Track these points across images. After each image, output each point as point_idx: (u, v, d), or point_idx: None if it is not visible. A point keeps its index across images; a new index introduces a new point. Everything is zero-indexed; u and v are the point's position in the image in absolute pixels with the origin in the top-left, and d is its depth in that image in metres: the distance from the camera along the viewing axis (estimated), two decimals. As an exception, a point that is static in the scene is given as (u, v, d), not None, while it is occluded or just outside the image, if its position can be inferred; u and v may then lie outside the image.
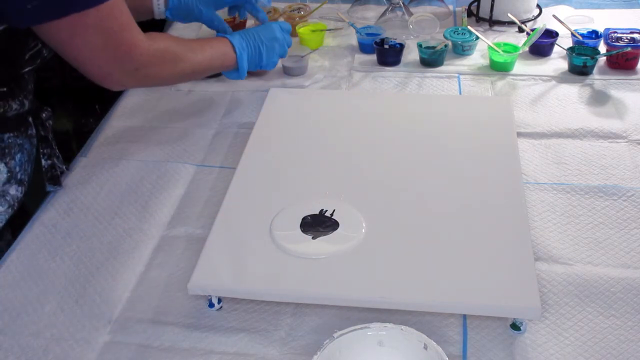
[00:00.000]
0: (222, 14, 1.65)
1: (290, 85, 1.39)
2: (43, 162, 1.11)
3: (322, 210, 0.96)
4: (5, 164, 1.03)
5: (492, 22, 1.58)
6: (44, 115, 1.12)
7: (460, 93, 1.35)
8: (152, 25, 1.77)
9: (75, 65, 0.98)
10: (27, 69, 1.01)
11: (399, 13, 1.58)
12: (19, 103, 1.03)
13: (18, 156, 1.05)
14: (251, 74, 1.37)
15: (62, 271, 0.96)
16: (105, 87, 1.02)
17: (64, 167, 1.14)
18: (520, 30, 1.54)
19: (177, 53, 1.07)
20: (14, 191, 1.05)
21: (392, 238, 0.92)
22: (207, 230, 0.97)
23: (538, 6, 1.60)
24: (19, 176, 1.05)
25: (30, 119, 1.08)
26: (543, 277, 0.92)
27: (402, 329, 0.76)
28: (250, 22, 1.59)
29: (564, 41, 1.44)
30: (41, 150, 1.11)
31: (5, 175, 1.03)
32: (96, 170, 1.16)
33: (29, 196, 1.10)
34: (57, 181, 1.11)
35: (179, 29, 1.67)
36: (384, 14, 1.59)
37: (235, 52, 1.17)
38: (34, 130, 1.09)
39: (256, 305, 0.89)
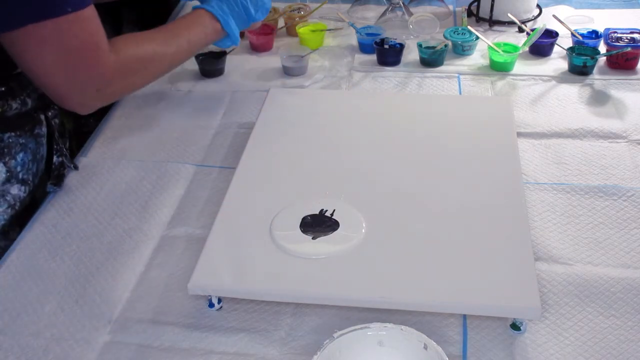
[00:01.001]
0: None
1: (290, 85, 1.39)
2: (55, 159, 1.11)
3: (322, 210, 0.96)
4: (4, 163, 1.02)
5: (492, 22, 1.58)
6: (50, 113, 1.11)
7: (460, 93, 1.35)
8: (157, 17, 1.77)
9: (34, 82, 0.94)
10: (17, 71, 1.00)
11: (399, 13, 1.58)
12: (20, 102, 1.02)
13: (20, 155, 1.04)
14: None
15: (62, 271, 0.96)
16: (67, 109, 0.98)
17: (72, 165, 1.14)
18: (520, 30, 1.54)
19: (146, 56, 1.01)
20: (16, 191, 1.04)
21: (392, 238, 0.92)
22: (207, 230, 0.97)
23: (538, 6, 1.60)
24: (20, 176, 1.05)
25: (42, 116, 1.08)
26: (543, 277, 0.92)
27: (402, 329, 0.76)
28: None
29: (564, 41, 1.44)
30: (55, 147, 1.11)
31: (4, 175, 1.02)
32: (96, 170, 1.16)
33: (38, 194, 1.10)
34: (61, 180, 1.10)
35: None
36: (384, 14, 1.59)
37: (218, 20, 1.11)
38: (43, 129, 1.08)
39: (256, 305, 0.89)
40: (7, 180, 1.03)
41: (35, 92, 1.06)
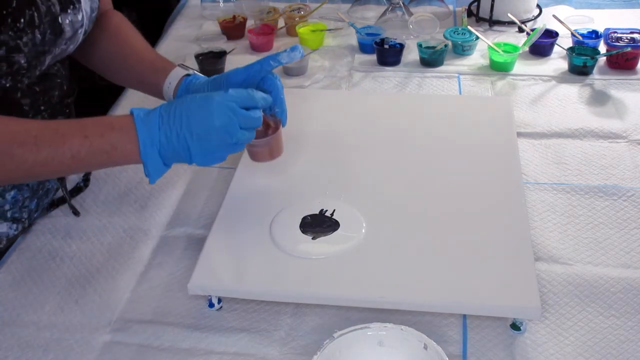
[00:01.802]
0: (219, 13, 1.65)
1: (290, 85, 1.39)
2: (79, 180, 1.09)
3: (322, 210, 0.96)
4: None
5: (492, 22, 1.58)
6: None
7: (460, 93, 1.35)
8: (157, 17, 1.77)
9: None
10: None
11: (399, 13, 1.58)
12: None
13: (11, 194, 0.95)
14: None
15: (62, 271, 0.96)
16: None
17: (70, 208, 1.06)
18: (520, 30, 1.54)
19: None
20: (5, 229, 0.97)
21: (392, 238, 0.92)
22: (207, 230, 0.97)
23: (538, 6, 1.60)
24: (9, 215, 0.96)
25: None
26: (543, 277, 0.92)
27: (402, 329, 0.76)
28: (250, 22, 1.60)
29: (564, 41, 1.44)
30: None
31: None
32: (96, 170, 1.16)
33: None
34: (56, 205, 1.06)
35: (179, 29, 1.67)
36: (384, 14, 1.59)
37: (139, 148, 0.80)
38: None
39: (256, 305, 0.89)
40: None
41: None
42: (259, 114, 0.84)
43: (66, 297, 0.92)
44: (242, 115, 0.82)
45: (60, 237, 1.02)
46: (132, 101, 1.35)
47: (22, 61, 0.83)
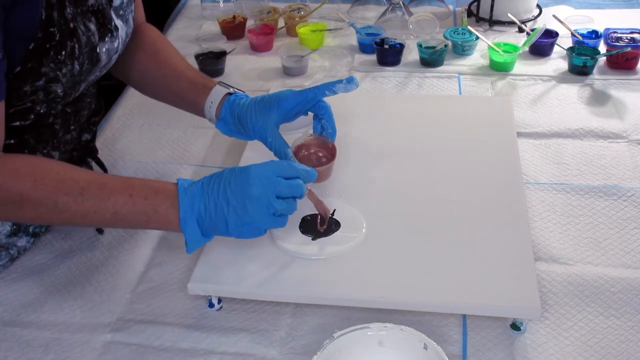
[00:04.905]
0: (219, 13, 1.65)
1: (290, 85, 1.39)
2: None
3: (322, 210, 0.96)
4: None
5: (492, 22, 1.58)
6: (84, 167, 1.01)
7: (460, 93, 1.35)
8: (157, 17, 1.76)
9: None
10: (16, 123, 0.85)
11: (399, 13, 1.58)
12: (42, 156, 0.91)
13: None
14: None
15: (62, 271, 0.96)
16: None
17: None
18: (520, 30, 1.54)
19: (20, 198, 0.75)
20: (23, 242, 0.98)
21: (392, 238, 0.92)
22: (207, 230, 0.97)
23: (538, 6, 1.61)
24: (31, 230, 0.98)
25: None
26: (543, 277, 0.92)
27: (402, 329, 0.76)
28: (250, 22, 1.60)
29: (564, 41, 1.44)
30: None
31: (8, 228, 0.94)
32: (96, 170, 1.15)
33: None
34: None
35: (179, 29, 1.67)
36: (384, 14, 1.59)
37: (179, 215, 0.79)
38: None
39: (256, 305, 0.89)
40: (14, 233, 0.96)
41: (57, 149, 0.94)
42: (300, 182, 0.81)
43: (66, 296, 0.92)
44: (279, 184, 0.79)
45: (61, 238, 1.02)
46: (132, 101, 1.35)
47: (59, 90, 0.84)
